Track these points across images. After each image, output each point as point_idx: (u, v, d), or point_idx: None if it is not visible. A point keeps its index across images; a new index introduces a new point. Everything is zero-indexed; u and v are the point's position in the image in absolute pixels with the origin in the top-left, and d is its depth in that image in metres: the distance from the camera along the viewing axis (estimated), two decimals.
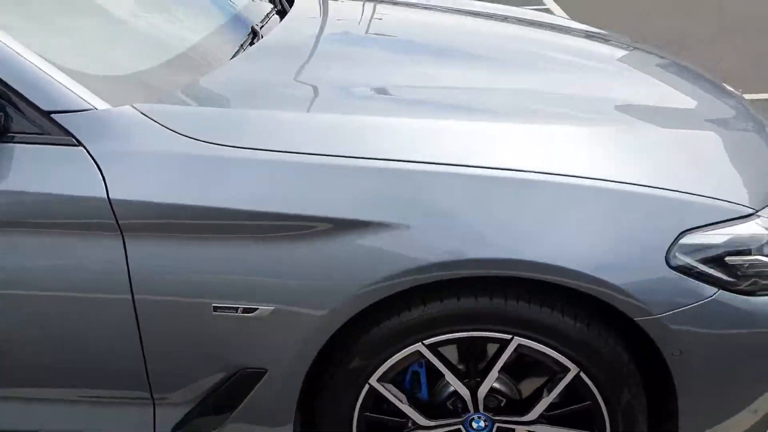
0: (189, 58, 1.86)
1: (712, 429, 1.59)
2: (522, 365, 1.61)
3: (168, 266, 1.47)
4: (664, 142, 1.77)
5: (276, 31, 2.18)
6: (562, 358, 1.52)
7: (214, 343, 1.53)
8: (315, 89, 1.91)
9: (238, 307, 1.47)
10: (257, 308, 1.47)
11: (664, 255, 1.46)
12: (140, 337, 1.53)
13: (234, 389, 1.58)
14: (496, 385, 1.60)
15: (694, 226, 1.48)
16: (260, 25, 2.17)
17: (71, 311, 1.54)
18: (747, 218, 1.52)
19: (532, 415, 1.60)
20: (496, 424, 1.62)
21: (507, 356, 1.53)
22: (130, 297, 1.48)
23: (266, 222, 1.44)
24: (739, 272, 1.50)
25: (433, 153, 1.52)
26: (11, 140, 1.45)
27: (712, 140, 1.88)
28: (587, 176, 1.51)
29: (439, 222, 1.45)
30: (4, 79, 1.43)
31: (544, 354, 1.52)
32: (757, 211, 1.54)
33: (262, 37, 2.08)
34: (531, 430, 1.62)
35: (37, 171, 1.46)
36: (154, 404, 1.62)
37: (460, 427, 1.64)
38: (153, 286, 1.48)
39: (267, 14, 2.32)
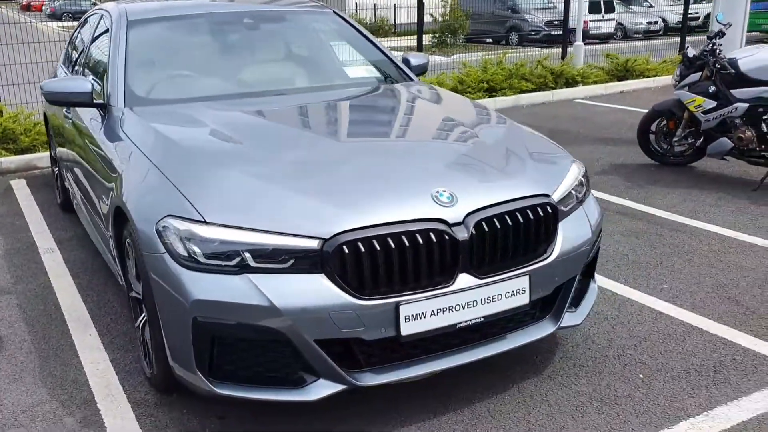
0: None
1: None
2: None
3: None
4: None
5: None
6: None
7: None
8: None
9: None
10: None
11: (155, 222, 2.63)
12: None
13: None
14: None
15: (175, 214, 2.61)
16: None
17: (81, 145, 4.02)
18: (199, 223, 2.56)
19: None
20: None
21: None
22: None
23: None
24: (176, 250, 2.56)
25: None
26: (100, 108, 3.83)
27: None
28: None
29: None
30: (109, 90, 3.83)
31: None
32: (206, 221, 2.55)
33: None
34: None
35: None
36: None
37: None
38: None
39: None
